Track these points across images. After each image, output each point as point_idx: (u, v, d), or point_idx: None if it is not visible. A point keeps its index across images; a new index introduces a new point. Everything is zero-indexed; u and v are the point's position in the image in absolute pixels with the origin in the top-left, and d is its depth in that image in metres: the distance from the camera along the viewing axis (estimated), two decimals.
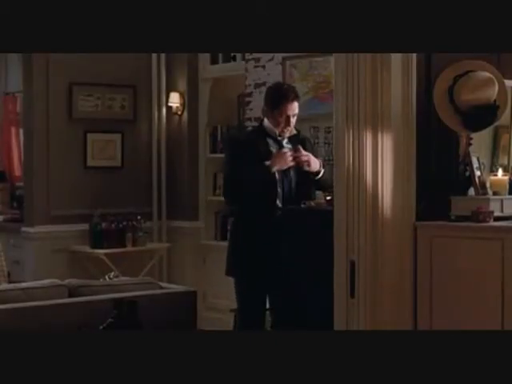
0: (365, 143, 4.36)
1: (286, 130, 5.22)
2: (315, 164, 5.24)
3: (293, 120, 5.21)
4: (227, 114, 7.98)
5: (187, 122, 8.05)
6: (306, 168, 5.21)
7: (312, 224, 5.10)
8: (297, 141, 5.27)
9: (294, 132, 5.30)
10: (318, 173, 5.26)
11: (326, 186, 5.26)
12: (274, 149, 5.22)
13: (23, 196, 8.08)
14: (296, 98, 5.24)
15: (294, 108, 5.19)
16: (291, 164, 5.16)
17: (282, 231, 5.20)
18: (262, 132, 5.27)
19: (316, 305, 4.92)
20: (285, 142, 5.25)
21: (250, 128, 5.58)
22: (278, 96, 5.22)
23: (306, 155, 5.18)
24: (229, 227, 5.97)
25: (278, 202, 5.23)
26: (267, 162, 5.14)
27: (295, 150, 5.19)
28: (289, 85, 5.53)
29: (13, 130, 9.28)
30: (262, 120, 5.30)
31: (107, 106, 7.95)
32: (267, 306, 5.39)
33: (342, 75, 4.43)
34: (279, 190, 5.21)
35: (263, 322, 5.35)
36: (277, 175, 5.18)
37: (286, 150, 5.20)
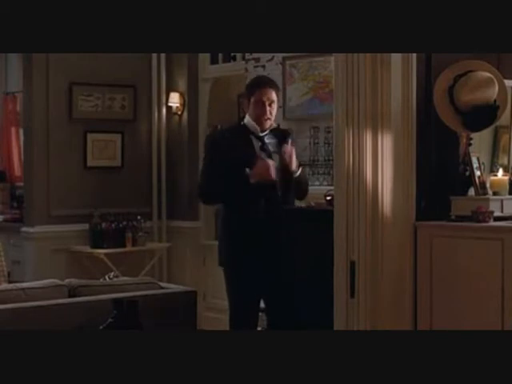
0: (365, 143, 4.37)
1: (264, 121, 4.99)
2: (294, 165, 5.00)
3: (270, 109, 4.99)
4: (227, 113, 7.97)
5: (187, 121, 8.05)
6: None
7: (312, 224, 5.10)
8: (279, 135, 5.07)
9: (275, 125, 5.11)
10: (293, 173, 5.03)
11: (300, 189, 5.13)
12: (256, 146, 5.00)
13: (23, 196, 8.07)
14: (272, 84, 5.06)
15: (270, 95, 4.99)
16: (273, 178, 4.87)
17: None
18: (243, 130, 5.06)
19: (315, 305, 4.92)
20: (266, 137, 5.04)
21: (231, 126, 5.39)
22: (254, 84, 5.11)
23: (288, 157, 4.95)
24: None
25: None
26: (248, 171, 4.85)
27: (281, 144, 4.98)
28: (267, 76, 5.36)
29: (13, 129, 9.27)
30: (243, 118, 5.13)
31: (107, 106, 7.95)
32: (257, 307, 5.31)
33: (342, 75, 4.43)
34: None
35: (257, 323, 5.31)
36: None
37: (270, 162, 4.89)
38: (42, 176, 7.64)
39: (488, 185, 4.55)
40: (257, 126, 5.02)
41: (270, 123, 5.05)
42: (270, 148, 5.06)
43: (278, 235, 5.01)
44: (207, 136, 5.28)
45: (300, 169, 5.07)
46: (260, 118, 5.00)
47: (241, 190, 4.91)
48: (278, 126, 5.26)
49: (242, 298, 5.11)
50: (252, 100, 5.02)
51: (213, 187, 4.99)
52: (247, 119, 5.08)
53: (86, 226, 7.60)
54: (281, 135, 5.07)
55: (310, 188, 6.35)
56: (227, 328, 6.17)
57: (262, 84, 5.05)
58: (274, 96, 5.02)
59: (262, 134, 5.03)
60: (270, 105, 4.99)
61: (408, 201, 4.44)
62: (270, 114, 5.02)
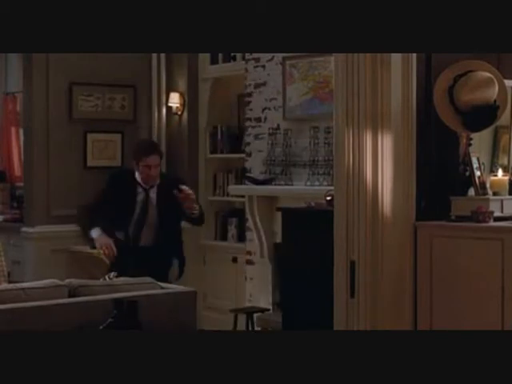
0: (365, 143, 4.36)
1: (148, 181, 5.76)
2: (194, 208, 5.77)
3: (154, 171, 5.74)
4: (227, 113, 7.98)
5: (187, 121, 8.05)
6: (189, 213, 5.73)
7: (312, 224, 5.10)
8: (164, 186, 5.76)
9: (158, 182, 5.80)
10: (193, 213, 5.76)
11: (201, 220, 5.98)
12: (140, 197, 5.78)
13: (23, 196, 8.07)
14: (156, 151, 5.86)
15: (155, 160, 5.75)
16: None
17: (284, 231, 5.19)
18: (134, 181, 5.80)
19: (315, 305, 4.92)
20: (152, 191, 5.80)
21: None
22: (140, 151, 5.82)
23: (190, 205, 5.70)
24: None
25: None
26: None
27: (180, 191, 5.63)
28: (150, 141, 6.41)
29: (13, 129, 9.27)
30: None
31: (107, 106, 7.95)
32: None
33: (342, 75, 4.43)
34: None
35: None
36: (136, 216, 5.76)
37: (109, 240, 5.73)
38: (42, 176, 7.64)
39: (488, 185, 4.54)
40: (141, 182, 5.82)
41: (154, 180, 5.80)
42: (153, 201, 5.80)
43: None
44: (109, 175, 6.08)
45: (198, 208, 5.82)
46: (145, 180, 5.79)
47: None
48: (164, 178, 5.93)
49: None
50: (141, 164, 5.74)
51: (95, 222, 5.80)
52: (137, 175, 5.81)
53: None
54: (165, 187, 5.74)
55: (310, 188, 6.37)
56: (227, 328, 6.17)
57: (150, 151, 5.80)
58: (158, 159, 5.83)
59: (146, 187, 5.80)
60: (155, 167, 5.77)
61: (408, 201, 4.44)
62: (154, 174, 5.79)
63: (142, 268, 5.34)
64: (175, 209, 5.71)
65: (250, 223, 6.97)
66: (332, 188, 4.78)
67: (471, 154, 4.54)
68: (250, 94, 7.09)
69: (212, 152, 7.94)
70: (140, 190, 5.80)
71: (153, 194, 5.82)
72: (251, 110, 7.05)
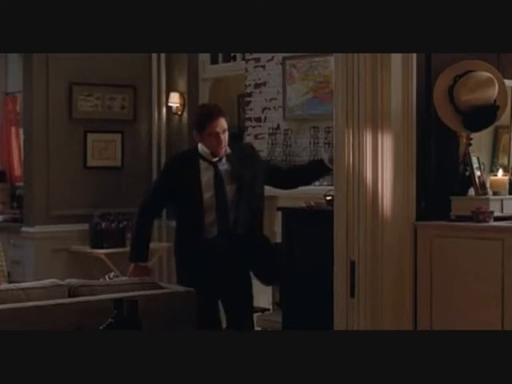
0: (365, 143, 4.36)
1: (220, 149, 4.95)
2: None
3: (223, 137, 4.94)
4: (227, 113, 7.98)
5: (187, 122, 8.05)
6: None
7: (312, 224, 5.10)
8: (237, 157, 5.04)
9: (229, 151, 5.02)
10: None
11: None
12: (207, 173, 4.98)
13: (23, 196, 8.08)
14: (221, 113, 5.02)
15: (222, 124, 4.96)
16: None
17: (284, 231, 5.19)
18: (196, 157, 5.02)
19: (315, 305, 4.91)
20: (221, 163, 4.99)
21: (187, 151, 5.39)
22: (203, 116, 5.05)
23: None
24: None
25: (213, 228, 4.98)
26: None
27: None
28: (212, 104, 5.34)
29: (13, 129, 9.28)
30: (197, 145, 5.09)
31: (107, 106, 7.96)
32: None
33: (342, 75, 4.43)
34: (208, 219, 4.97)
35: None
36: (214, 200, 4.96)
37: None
38: (42, 176, 7.65)
39: (488, 185, 4.54)
40: (209, 153, 5.00)
41: (225, 149, 5.01)
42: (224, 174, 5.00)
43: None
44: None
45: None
46: (217, 148, 4.96)
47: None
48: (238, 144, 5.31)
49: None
50: (205, 132, 4.95)
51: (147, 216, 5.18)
52: (201, 148, 5.02)
53: (86, 226, 7.61)
54: (237, 157, 5.03)
55: (310, 188, 6.38)
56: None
57: (214, 115, 4.98)
58: (225, 123, 4.99)
59: (215, 160, 4.99)
60: (222, 132, 4.96)
61: (408, 201, 4.44)
62: (225, 141, 4.98)
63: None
64: (256, 181, 5.04)
65: None
66: (332, 188, 4.78)
67: (471, 154, 4.54)
68: (249, 94, 7.09)
69: None
70: (205, 165, 4.99)
71: (223, 167, 5.00)
72: (251, 109, 7.06)
